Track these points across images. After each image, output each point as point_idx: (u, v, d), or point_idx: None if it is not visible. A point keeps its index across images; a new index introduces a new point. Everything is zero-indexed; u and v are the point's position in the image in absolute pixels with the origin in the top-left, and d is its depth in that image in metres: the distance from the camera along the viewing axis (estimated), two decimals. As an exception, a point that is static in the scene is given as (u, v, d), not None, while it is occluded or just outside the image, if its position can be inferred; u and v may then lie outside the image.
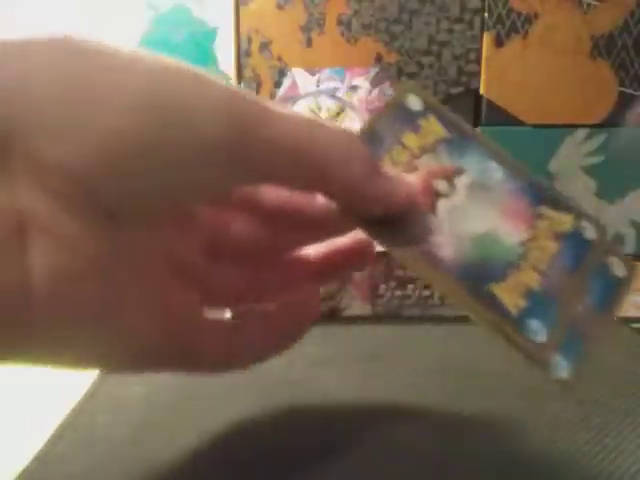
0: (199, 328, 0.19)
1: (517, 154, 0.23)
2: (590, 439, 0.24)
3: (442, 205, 0.20)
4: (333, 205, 0.19)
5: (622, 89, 0.46)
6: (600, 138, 0.45)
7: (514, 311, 0.19)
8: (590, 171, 0.45)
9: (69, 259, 0.14)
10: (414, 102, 0.23)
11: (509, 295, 0.19)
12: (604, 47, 0.51)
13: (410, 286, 0.42)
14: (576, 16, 0.58)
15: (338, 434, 0.24)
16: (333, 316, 0.42)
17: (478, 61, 0.64)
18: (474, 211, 0.21)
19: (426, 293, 0.42)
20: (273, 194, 0.21)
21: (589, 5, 0.59)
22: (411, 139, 0.22)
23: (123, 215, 0.15)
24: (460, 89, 0.66)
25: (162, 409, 0.27)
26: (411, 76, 0.72)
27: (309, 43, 0.70)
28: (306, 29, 0.67)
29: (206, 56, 0.78)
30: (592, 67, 0.49)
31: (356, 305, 0.42)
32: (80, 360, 0.16)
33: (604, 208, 0.46)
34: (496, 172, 0.22)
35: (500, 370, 0.31)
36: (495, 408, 0.27)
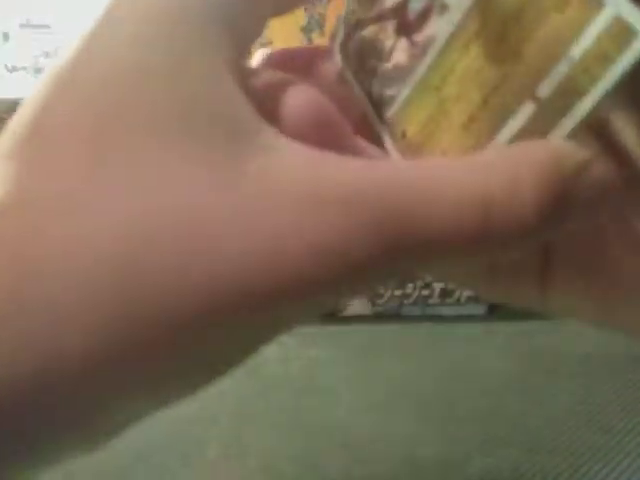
0: None
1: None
2: (591, 436, 0.24)
3: None
4: None
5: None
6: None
7: None
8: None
9: None
10: None
11: None
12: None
13: (410, 285, 0.42)
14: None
15: (338, 434, 0.24)
16: (333, 316, 0.42)
17: (478, 62, 0.64)
18: None
19: (425, 292, 0.42)
20: None
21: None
22: None
23: None
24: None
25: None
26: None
27: (309, 44, 0.70)
28: (306, 30, 0.67)
29: (207, 57, 0.77)
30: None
31: (356, 304, 0.42)
32: None
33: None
34: None
35: (500, 370, 0.31)
36: (495, 407, 0.27)
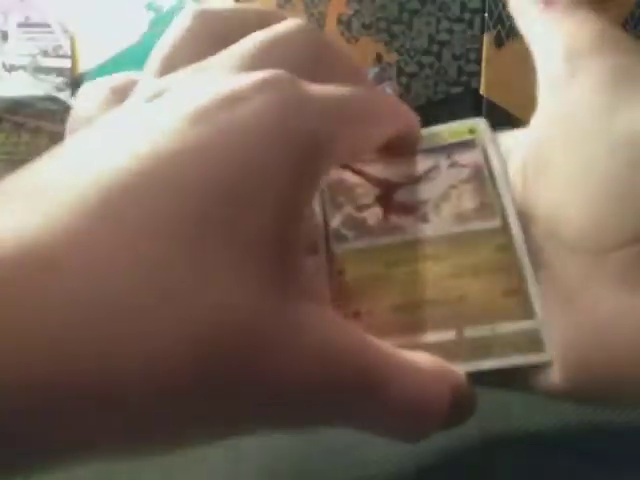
0: None
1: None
2: (590, 438, 0.24)
3: None
4: None
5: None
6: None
7: None
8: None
9: None
10: None
11: None
12: (604, 47, 0.52)
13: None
14: (576, 16, 0.58)
15: (339, 435, 0.24)
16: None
17: (478, 61, 0.64)
18: None
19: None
20: None
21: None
22: None
23: None
24: (460, 89, 0.66)
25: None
26: (411, 76, 0.72)
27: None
28: (306, 29, 0.67)
29: (206, 56, 0.77)
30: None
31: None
32: None
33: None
34: None
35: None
36: (495, 407, 0.27)
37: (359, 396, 0.16)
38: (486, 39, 0.67)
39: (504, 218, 0.20)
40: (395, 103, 0.21)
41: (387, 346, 0.17)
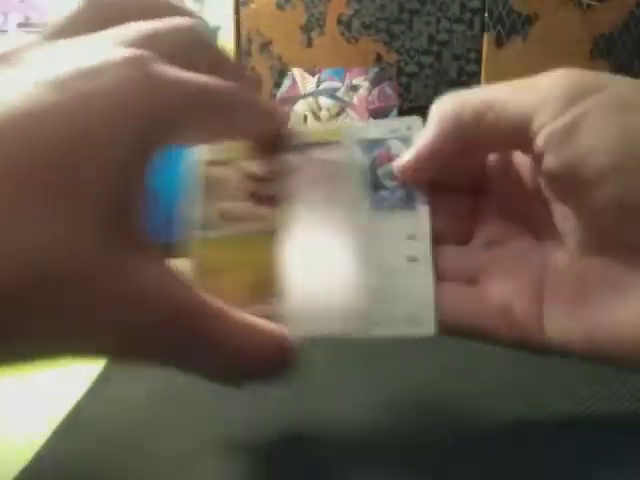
0: None
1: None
2: (589, 435, 0.24)
3: None
4: None
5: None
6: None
7: None
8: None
9: None
10: None
11: None
12: (604, 47, 0.52)
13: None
14: (576, 16, 0.58)
15: (339, 436, 0.24)
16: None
17: (478, 61, 0.64)
18: None
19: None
20: None
21: (589, 5, 0.59)
22: None
23: None
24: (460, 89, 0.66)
25: (164, 409, 0.27)
26: (411, 76, 0.72)
27: (309, 43, 0.70)
28: (306, 29, 0.67)
29: (206, 56, 0.77)
30: (592, 67, 0.49)
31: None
32: None
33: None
34: None
35: (501, 370, 0.31)
36: (495, 407, 0.27)
37: (186, 339, 0.17)
38: (486, 39, 0.67)
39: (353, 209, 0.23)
40: (260, 101, 0.22)
41: (221, 303, 0.18)
